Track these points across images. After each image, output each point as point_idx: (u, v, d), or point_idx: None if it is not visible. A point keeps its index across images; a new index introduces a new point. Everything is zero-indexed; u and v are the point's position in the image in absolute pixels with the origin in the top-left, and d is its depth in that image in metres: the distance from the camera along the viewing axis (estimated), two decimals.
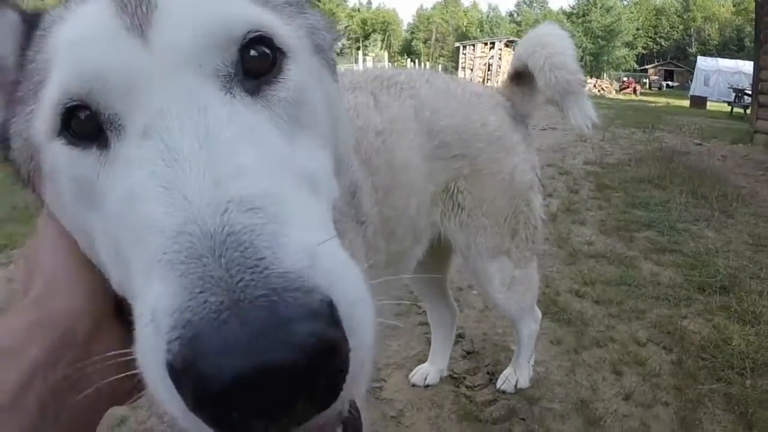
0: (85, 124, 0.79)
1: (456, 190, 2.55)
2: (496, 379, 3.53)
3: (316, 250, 0.63)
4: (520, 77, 2.85)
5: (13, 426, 0.70)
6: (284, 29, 0.90)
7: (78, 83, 0.77)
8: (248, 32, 0.82)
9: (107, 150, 0.78)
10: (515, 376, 3.46)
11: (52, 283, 0.83)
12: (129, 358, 0.67)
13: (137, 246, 0.69)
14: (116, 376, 0.72)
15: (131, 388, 0.79)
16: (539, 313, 3.35)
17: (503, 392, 3.45)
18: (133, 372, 0.69)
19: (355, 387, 0.63)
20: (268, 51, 0.86)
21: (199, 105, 0.75)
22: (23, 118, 0.86)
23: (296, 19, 0.97)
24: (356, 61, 44.58)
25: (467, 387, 3.57)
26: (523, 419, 3.24)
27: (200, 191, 0.66)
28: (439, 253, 2.84)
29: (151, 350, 0.60)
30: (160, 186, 0.68)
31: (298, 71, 0.89)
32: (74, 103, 0.78)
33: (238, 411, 0.54)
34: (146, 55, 0.77)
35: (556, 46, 2.63)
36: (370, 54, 72.40)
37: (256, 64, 0.84)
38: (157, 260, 0.63)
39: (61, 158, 0.81)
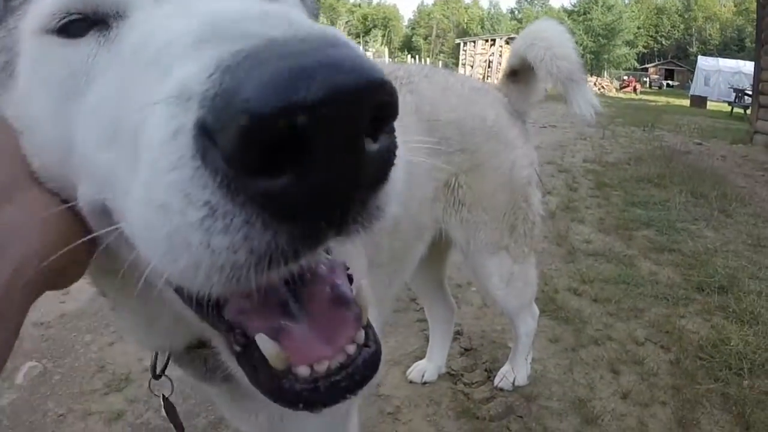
0: (78, 26, 0.78)
1: (457, 185, 2.53)
2: (494, 377, 3.53)
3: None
4: (516, 74, 2.85)
5: None
6: None
7: None
8: None
9: (107, 30, 0.77)
10: (513, 373, 3.46)
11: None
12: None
13: (142, 71, 0.64)
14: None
15: (76, 262, 0.81)
16: (537, 311, 3.35)
17: (501, 390, 3.44)
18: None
19: (392, 194, 0.62)
20: None
21: None
22: (14, 10, 0.85)
23: None
24: None
25: (465, 384, 3.56)
26: (521, 417, 3.24)
27: (221, 11, 0.63)
28: (437, 249, 2.83)
29: (172, 135, 0.53)
30: (176, 15, 0.68)
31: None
32: (75, 17, 0.78)
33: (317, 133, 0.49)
34: None
35: (555, 38, 2.63)
36: (370, 50, 72.43)
37: None
38: (182, 51, 0.59)
39: (56, 51, 0.78)
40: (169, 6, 0.72)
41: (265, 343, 0.71)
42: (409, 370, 3.59)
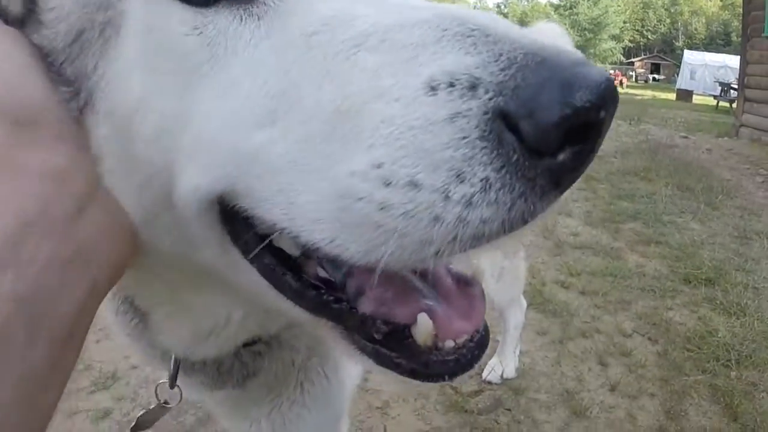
0: None
1: None
2: (482, 370, 3.52)
3: None
4: None
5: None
6: None
7: None
8: None
9: (251, 4, 0.69)
10: (501, 366, 3.46)
11: (38, 126, 0.66)
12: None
13: (360, 58, 0.61)
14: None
15: (129, 261, 0.76)
16: (525, 303, 3.35)
17: (489, 383, 3.44)
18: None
19: None
20: None
21: None
22: None
23: None
24: None
25: None
26: (509, 410, 3.24)
27: (429, 5, 0.66)
28: None
29: (445, 122, 0.55)
30: (377, 7, 0.66)
31: None
32: None
33: (594, 106, 0.55)
34: None
35: (552, 38, 2.62)
36: None
37: None
38: (430, 39, 0.59)
39: (174, 15, 0.68)
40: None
41: (424, 322, 0.75)
42: None
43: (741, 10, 17.83)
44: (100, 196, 0.69)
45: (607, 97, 0.55)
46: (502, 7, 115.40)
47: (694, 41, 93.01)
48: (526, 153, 0.54)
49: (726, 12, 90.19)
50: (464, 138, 0.54)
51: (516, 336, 3.39)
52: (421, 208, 0.55)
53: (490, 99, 0.54)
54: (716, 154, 12.34)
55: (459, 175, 0.54)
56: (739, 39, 18.26)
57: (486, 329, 0.81)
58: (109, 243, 0.68)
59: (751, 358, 3.75)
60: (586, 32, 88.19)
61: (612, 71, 62.36)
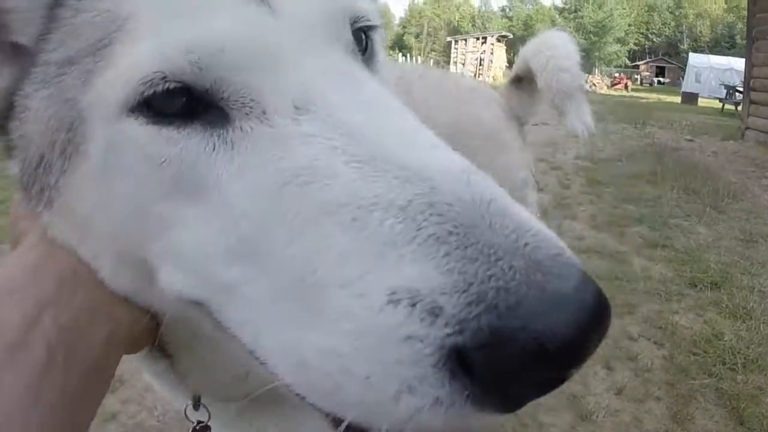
0: (173, 103, 0.67)
1: None
2: None
3: None
4: (521, 81, 2.82)
5: (21, 365, 0.67)
6: (376, 18, 0.88)
7: (189, 58, 0.65)
8: (360, 17, 0.81)
9: (224, 128, 0.67)
10: None
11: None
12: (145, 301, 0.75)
13: (326, 232, 0.59)
14: (132, 318, 0.78)
15: (147, 332, 0.84)
16: None
17: None
18: (151, 314, 0.78)
19: None
20: (364, 35, 0.84)
21: (351, 77, 0.71)
22: (71, 79, 0.71)
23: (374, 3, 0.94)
24: None
25: None
26: (515, 413, 3.23)
27: (420, 161, 0.61)
28: None
29: (401, 340, 0.54)
30: (353, 161, 0.61)
31: (383, 56, 0.90)
32: (173, 84, 0.65)
33: (559, 366, 0.54)
34: (277, 23, 0.70)
35: (560, 50, 2.58)
36: None
37: (358, 46, 0.82)
38: (402, 239, 0.56)
39: (141, 137, 0.67)
40: (330, 133, 0.64)
41: None
42: None
43: (746, 12, 17.83)
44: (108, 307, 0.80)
45: (583, 353, 0.54)
46: (507, 10, 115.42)
47: (699, 44, 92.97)
48: (477, 394, 0.53)
49: (731, 14, 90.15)
50: (418, 361, 0.53)
51: None
52: (375, 403, 0.56)
53: (449, 335, 0.52)
54: (722, 157, 12.32)
55: (410, 388, 0.54)
56: (744, 41, 18.22)
57: None
58: (128, 306, 0.81)
59: (757, 361, 3.74)
60: (591, 35, 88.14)
61: (617, 75, 62.41)
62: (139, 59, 0.65)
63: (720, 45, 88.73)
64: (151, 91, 0.65)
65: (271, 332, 0.64)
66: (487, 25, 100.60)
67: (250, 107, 0.67)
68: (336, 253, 0.58)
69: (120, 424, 3.05)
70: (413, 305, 0.53)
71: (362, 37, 0.83)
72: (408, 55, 79.00)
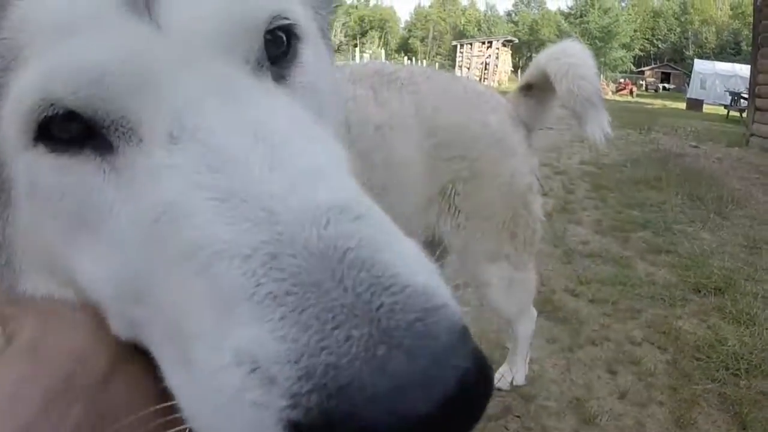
0: (69, 128, 0.64)
1: (454, 192, 2.52)
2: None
3: (425, 259, 0.57)
4: (530, 89, 2.84)
5: None
6: (300, 12, 0.81)
7: (67, 87, 0.61)
8: (274, 17, 0.73)
9: (112, 155, 0.64)
10: (511, 373, 3.46)
11: (48, 317, 0.69)
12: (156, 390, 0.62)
13: (186, 276, 0.55)
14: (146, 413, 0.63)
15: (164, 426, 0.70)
16: (535, 312, 3.36)
17: (499, 389, 3.44)
18: (166, 405, 0.63)
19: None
20: (284, 36, 0.76)
21: (236, 96, 0.64)
22: None
23: None
24: (353, 58, 44.54)
25: None
26: (519, 416, 3.24)
27: (280, 199, 0.55)
28: (431, 254, 2.82)
29: (249, 405, 0.49)
30: (213, 198, 0.56)
31: (312, 56, 0.81)
32: (60, 110, 0.62)
33: None
34: (159, 41, 0.63)
35: (579, 57, 2.62)
36: (367, 51, 72.36)
37: (275, 50, 0.74)
38: (242, 294, 0.51)
39: (44, 169, 0.64)
40: (198, 165, 0.59)
41: None
42: None
43: (752, 19, 17.81)
44: (124, 368, 0.66)
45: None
46: (513, 15, 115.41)
47: (704, 50, 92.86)
48: None
49: (736, 21, 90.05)
50: (265, 429, 0.48)
51: (526, 344, 3.39)
52: None
53: (284, 408, 0.47)
54: (726, 164, 12.32)
55: None
56: (750, 48, 18.21)
57: None
58: (137, 402, 0.64)
59: (760, 367, 3.74)
60: (597, 41, 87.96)
61: (622, 80, 62.34)
62: (24, 88, 0.62)
63: (725, 51, 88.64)
64: (42, 116, 0.62)
65: (170, 374, 0.60)
66: (492, 30, 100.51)
67: (129, 134, 0.63)
68: (195, 300, 0.54)
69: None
70: (253, 371, 0.49)
71: (282, 38, 0.76)
72: (413, 58, 78.97)
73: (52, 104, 0.61)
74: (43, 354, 0.63)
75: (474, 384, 0.48)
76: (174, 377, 0.59)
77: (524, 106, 2.81)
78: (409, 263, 0.53)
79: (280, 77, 0.75)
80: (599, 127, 2.63)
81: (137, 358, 0.67)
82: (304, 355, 0.47)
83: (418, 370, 0.46)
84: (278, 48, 0.76)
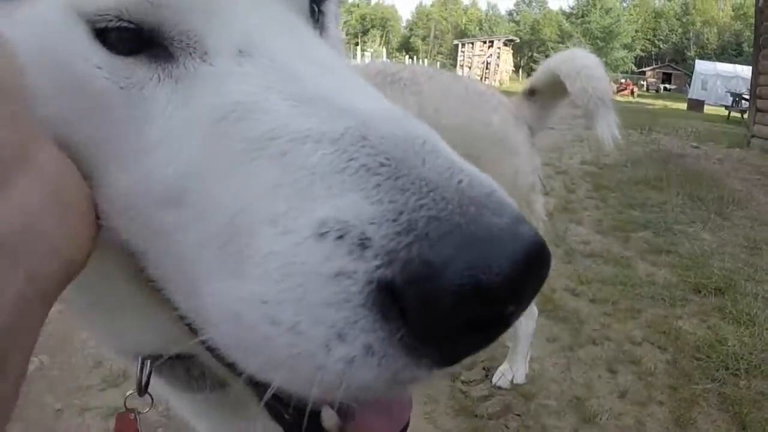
0: (124, 39, 0.63)
1: None
2: (492, 375, 3.54)
3: None
4: (534, 94, 2.87)
5: None
6: None
7: None
8: None
9: (170, 64, 0.64)
10: (511, 372, 3.47)
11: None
12: None
13: (257, 166, 0.56)
14: None
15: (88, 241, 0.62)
16: (536, 311, 3.37)
17: (499, 388, 3.46)
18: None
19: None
20: (317, 8, 0.81)
21: (298, 33, 0.69)
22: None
23: None
24: (355, 57, 44.52)
25: (463, 382, 3.57)
26: (519, 415, 3.25)
27: (358, 103, 0.60)
28: None
29: (329, 278, 0.50)
30: (291, 99, 0.59)
31: (335, 34, 0.87)
32: (125, 23, 0.61)
33: (497, 301, 0.50)
34: None
35: (591, 62, 2.69)
36: (368, 50, 72.29)
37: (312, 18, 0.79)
38: (332, 169, 0.53)
39: (94, 65, 0.61)
40: (270, 74, 0.62)
41: (330, 418, 0.73)
42: None
43: (753, 20, 17.80)
44: (38, 158, 0.54)
45: (521, 289, 0.51)
46: (514, 14, 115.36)
47: (705, 51, 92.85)
48: (411, 335, 0.50)
49: (738, 22, 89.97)
50: (347, 301, 0.50)
51: (526, 343, 3.40)
52: (305, 355, 0.52)
53: (378, 267, 0.49)
54: (727, 165, 12.31)
55: (340, 336, 0.50)
56: (751, 49, 18.19)
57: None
58: (52, 223, 0.53)
59: (760, 367, 3.75)
60: (598, 41, 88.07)
61: (623, 80, 62.32)
62: None
63: (727, 52, 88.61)
64: (103, 25, 0.61)
65: (204, 285, 0.59)
66: (494, 29, 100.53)
67: (194, 48, 0.64)
68: (265, 189, 0.56)
69: None
70: (341, 237, 0.50)
71: (314, 9, 0.80)
72: (415, 57, 78.98)
73: (119, 17, 0.61)
74: None
75: (545, 245, 0.54)
76: (212, 288, 0.58)
77: (528, 110, 2.83)
78: (465, 161, 0.59)
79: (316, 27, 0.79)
80: (608, 127, 2.68)
81: (51, 148, 0.58)
82: (404, 212, 0.50)
83: (505, 225, 0.51)
84: (313, 17, 0.80)
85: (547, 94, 2.84)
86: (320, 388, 0.53)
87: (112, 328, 0.92)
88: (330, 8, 0.86)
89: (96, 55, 0.61)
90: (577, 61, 2.69)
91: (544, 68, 2.86)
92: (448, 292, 0.47)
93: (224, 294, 0.57)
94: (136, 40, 0.63)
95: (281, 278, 0.52)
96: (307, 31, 0.72)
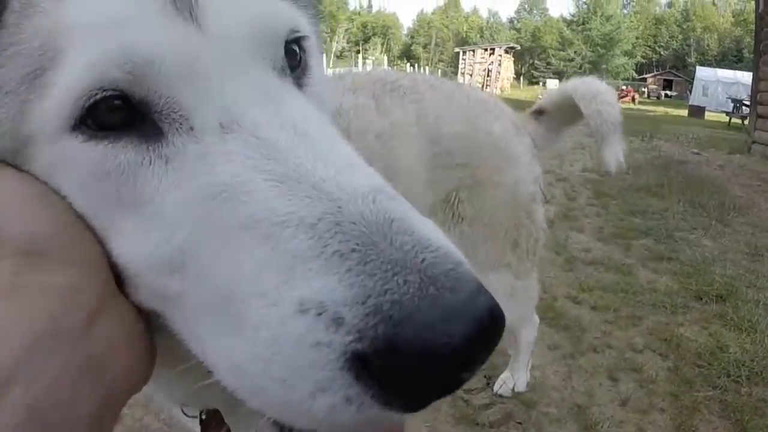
0: (112, 114, 0.69)
1: (457, 200, 2.51)
2: (493, 383, 3.54)
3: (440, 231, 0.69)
4: (541, 114, 2.91)
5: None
6: (306, 26, 0.89)
7: (122, 67, 0.66)
8: (291, 30, 0.82)
9: (158, 143, 0.69)
10: (512, 380, 3.47)
11: (30, 251, 0.64)
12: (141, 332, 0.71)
13: (245, 245, 0.63)
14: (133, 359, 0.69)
15: (148, 369, 0.75)
16: (537, 319, 3.37)
17: (500, 396, 3.46)
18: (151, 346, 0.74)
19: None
20: (297, 48, 0.85)
21: (274, 96, 0.74)
22: (6, 110, 0.69)
23: (308, 10, 0.96)
24: (356, 65, 44.58)
25: (464, 390, 3.56)
26: (520, 423, 3.25)
27: (331, 181, 0.65)
28: None
29: (311, 346, 0.59)
30: (273, 180, 0.65)
31: (316, 67, 0.91)
32: (110, 92, 0.66)
33: (450, 371, 0.59)
34: (204, 41, 0.71)
35: (604, 88, 2.81)
36: (369, 57, 72.43)
37: (291, 61, 0.83)
38: (310, 254, 0.60)
39: (80, 154, 0.68)
40: (253, 152, 0.67)
41: None
42: None
43: (753, 26, 17.82)
44: (112, 308, 0.69)
45: (471, 359, 0.59)
46: (515, 22, 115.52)
47: (706, 57, 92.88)
48: (380, 392, 0.58)
49: (738, 28, 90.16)
50: (328, 364, 0.58)
51: (527, 351, 3.40)
52: (296, 402, 0.61)
53: (350, 342, 0.57)
54: (728, 171, 12.31)
55: (323, 389, 0.59)
56: (752, 55, 18.21)
57: None
58: (125, 351, 0.68)
59: (761, 374, 3.75)
60: (599, 48, 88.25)
61: (624, 87, 62.36)
62: (74, 75, 0.66)
63: (727, 59, 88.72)
64: (90, 102, 0.66)
65: (210, 341, 0.68)
66: (495, 37, 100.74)
67: (180, 123, 0.69)
68: (253, 266, 0.63)
69: (126, 427, 3.07)
70: (319, 314, 0.58)
71: (296, 51, 0.85)
72: (416, 65, 78.99)
73: (103, 85, 0.66)
74: (25, 292, 0.60)
75: (499, 314, 0.62)
76: (216, 343, 0.67)
77: (533, 129, 2.85)
78: (435, 232, 0.66)
79: (297, 86, 0.84)
80: (615, 152, 2.81)
81: (122, 297, 0.72)
82: (371, 296, 0.57)
83: (460, 302, 0.58)
84: (293, 60, 0.84)
85: (555, 117, 2.92)
86: (310, 426, 0.63)
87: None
88: (311, 43, 0.91)
89: (86, 150, 0.68)
90: (592, 86, 2.78)
91: (559, 91, 2.96)
92: (408, 365, 0.56)
93: (227, 350, 0.66)
94: (127, 109, 0.69)
95: (273, 342, 0.61)
96: (285, 91, 0.77)
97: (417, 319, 0.56)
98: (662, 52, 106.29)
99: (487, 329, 0.59)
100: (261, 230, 0.63)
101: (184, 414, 1.23)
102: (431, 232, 0.65)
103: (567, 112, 2.92)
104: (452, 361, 0.57)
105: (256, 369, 0.62)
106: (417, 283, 0.58)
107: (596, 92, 2.75)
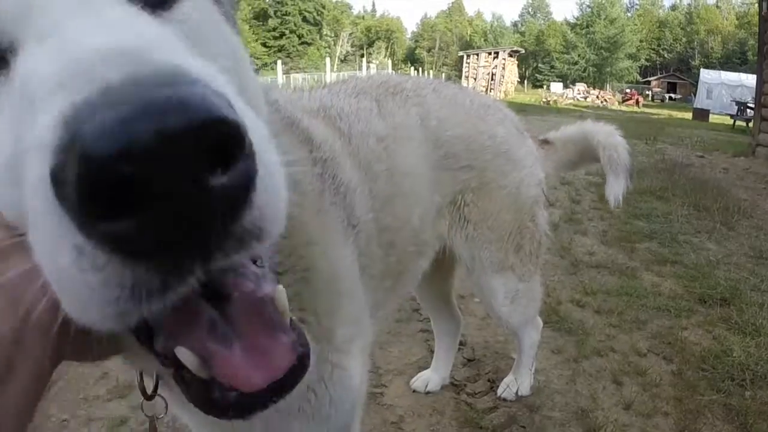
0: None
1: (463, 202, 2.52)
2: (497, 387, 3.54)
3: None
4: (547, 143, 2.98)
5: None
6: None
7: None
8: None
9: (5, 71, 0.73)
10: (516, 383, 3.47)
11: None
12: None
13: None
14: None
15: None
16: (540, 323, 3.36)
17: (504, 400, 3.46)
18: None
19: (267, 213, 0.62)
20: None
21: (96, 8, 0.71)
22: None
23: None
24: (360, 68, 44.61)
25: (468, 394, 3.57)
26: (524, 427, 3.25)
27: (87, 44, 0.62)
28: (443, 264, 2.83)
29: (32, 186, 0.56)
30: (57, 63, 0.62)
31: (193, 6, 0.88)
32: None
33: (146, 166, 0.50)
34: None
35: (617, 135, 3.03)
36: (374, 61, 72.50)
37: None
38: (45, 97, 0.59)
39: None
40: (49, 42, 0.67)
41: (185, 356, 0.74)
42: (413, 379, 3.60)
43: (757, 28, 17.81)
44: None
45: (146, 146, 0.50)
46: (519, 25, 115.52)
47: (710, 60, 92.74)
48: (80, 219, 0.53)
49: (742, 31, 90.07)
50: (47, 204, 0.54)
51: (531, 355, 3.40)
52: (60, 272, 0.58)
53: (50, 161, 0.53)
54: (732, 174, 12.31)
55: (58, 242, 0.55)
56: (756, 58, 18.21)
57: (300, 366, 0.78)
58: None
59: (766, 378, 3.73)
60: (603, 51, 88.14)
61: (628, 90, 62.31)
62: None
63: (731, 61, 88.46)
64: None
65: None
66: (499, 40, 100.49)
67: (11, 51, 0.73)
68: (22, 132, 0.63)
69: (130, 429, 3.09)
70: (38, 147, 0.55)
71: None
72: (420, 69, 79.05)
73: None
74: None
75: (195, 102, 0.53)
76: None
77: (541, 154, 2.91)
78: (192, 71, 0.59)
79: (152, 12, 0.81)
80: (618, 192, 3.01)
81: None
82: (62, 120, 0.53)
83: (137, 100, 0.51)
84: None
85: (558, 150, 3.01)
86: (85, 307, 0.60)
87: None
88: None
89: None
90: (606, 130, 3.03)
91: (576, 129, 3.10)
92: (74, 157, 0.50)
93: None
94: None
95: (30, 206, 0.59)
96: (113, 4, 0.74)
97: (93, 108, 0.51)
98: (666, 55, 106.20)
99: (169, 110, 0.51)
100: (28, 96, 0.63)
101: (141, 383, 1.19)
102: (173, 60, 0.60)
103: (572, 152, 3.10)
104: (135, 150, 0.49)
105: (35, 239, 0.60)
106: (100, 86, 0.53)
107: (609, 134, 2.99)
